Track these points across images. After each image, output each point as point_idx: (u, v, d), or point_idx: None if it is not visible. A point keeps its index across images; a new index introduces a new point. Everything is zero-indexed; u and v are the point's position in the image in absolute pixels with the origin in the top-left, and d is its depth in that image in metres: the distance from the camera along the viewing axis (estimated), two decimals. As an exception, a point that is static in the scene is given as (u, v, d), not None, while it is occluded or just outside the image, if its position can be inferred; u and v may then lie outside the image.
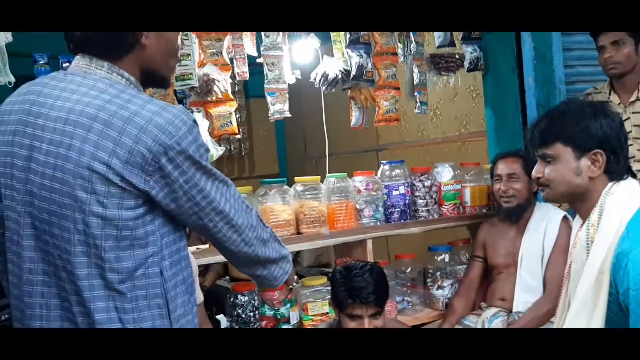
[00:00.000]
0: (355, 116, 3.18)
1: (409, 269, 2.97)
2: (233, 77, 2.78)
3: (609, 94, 2.75)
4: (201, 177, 1.26)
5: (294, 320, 2.54)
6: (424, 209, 2.89)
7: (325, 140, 3.39)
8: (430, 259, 3.03)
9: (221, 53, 2.65)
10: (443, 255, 3.00)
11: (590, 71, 3.06)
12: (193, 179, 1.25)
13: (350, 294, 2.01)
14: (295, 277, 1.60)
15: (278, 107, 2.78)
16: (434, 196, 2.93)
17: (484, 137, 3.46)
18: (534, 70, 3.04)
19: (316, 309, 2.60)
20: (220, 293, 3.78)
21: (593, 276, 1.49)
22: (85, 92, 1.24)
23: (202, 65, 2.60)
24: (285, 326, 2.52)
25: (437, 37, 3.23)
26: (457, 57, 3.25)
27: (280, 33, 2.76)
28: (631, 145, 2.60)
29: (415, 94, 3.20)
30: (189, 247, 1.42)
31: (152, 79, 1.36)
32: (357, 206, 2.74)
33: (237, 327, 2.54)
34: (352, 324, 2.05)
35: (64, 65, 4.35)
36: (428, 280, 2.99)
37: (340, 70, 2.96)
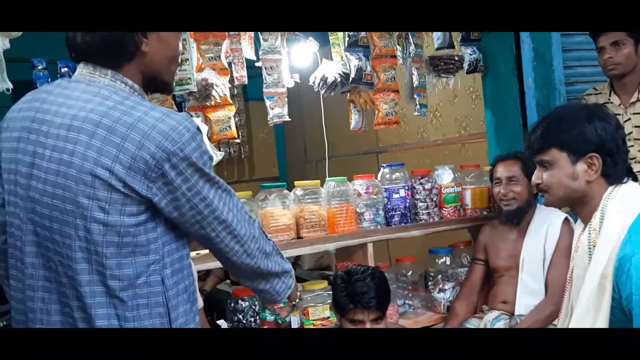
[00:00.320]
0: (354, 119, 3.17)
1: (410, 272, 2.96)
2: (232, 81, 2.77)
3: (609, 95, 2.75)
4: (204, 184, 1.26)
5: (295, 325, 2.53)
6: (424, 212, 2.88)
7: (325, 143, 3.38)
8: (432, 262, 3.02)
9: (219, 57, 2.64)
10: (444, 258, 2.99)
11: (590, 72, 3.05)
12: (196, 187, 1.25)
13: (351, 299, 2.00)
14: (298, 293, 1.58)
15: (277, 111, 2.77)
16: (434, 199, 2.91)
17: (484, 139, 3.45)
18: (534, 72, 3.03)
19: (317, 314, 2.59)
20: (221, 297, 3.77)
21: (596, 281, 1.48)
22: (89, 99, 1.25)
23: (200, 69, 2.60)
24: (286, 331, 2.51)
25: (436, 39, 3.22)
26: (456, 59, 3.24)
27: (279, 37, 2.76)
28: (632, 146, 2.60)
29: (415, 96, 3.19)
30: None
31: (155, 84, 1.36)
32: (358, 210, 2.72)
33: (238, 332, 2.53)
34: (353, 329, 2.04)
35: (62, 70, 4.34)
36: (429, 283, 2.98)
37: (339, 74, 2.95)
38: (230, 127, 2.75)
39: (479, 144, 3.77)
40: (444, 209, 2.94)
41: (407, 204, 2.83)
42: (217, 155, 2.64)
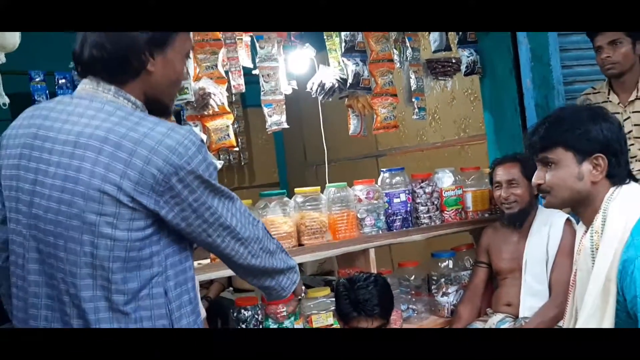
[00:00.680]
0: (353, 124, 3.16)
1: (413, 276, 2.95)
2: (229, 89, 2.77)
3: (608, 94, 2.74)
4: (209, 194, 1.28)
5: (298, 333, 2.52)
6: (425, 215, 2.87)
7: (324, 149, 3.37)
8: (434, 266, 3.01)
9: (216, 66, 2.64)
10: (447, 262, 2.97)
11: (588, 71, 3.04)
12: (202, 197, 1.27)
13: (354, 307, 1.99)
14: (303, 287, 1.61)
15: (275, 119, 2.76)
16: (435, 202, 2.90)
17: (484, 140, 3.44)
18: (532, 72, 3.02)
19: (320, 321, 2.57)
20: (224, 305, 3.76)
21: (600, 284, 1.47)
22: (93, 115, 1.26)
23: (197, 79, 2.59)
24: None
25: (433, 41, 3.22)
26: (453, 61, 3.23)
27: (275, 44, 2.75)
28: (632, 145, 2.59)
29: (413, 100, 3.18)
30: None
31: (155, 105, 1.37)
32: (359, 215, 2.71)
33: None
34: (357, 337, 2.03)
35: (60, 81, 4.35)
36: (432, 287, 2.97)
37: (336, 79, 2.95)
38: (228, 135, 2.74)
39: (479, 145, 3.76)
40: (445, 212, 2.93)
41: (408, 208, 2.82)
42: (217, 164, 2.64)
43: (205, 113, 2.65)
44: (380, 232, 2.74)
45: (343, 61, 2.93)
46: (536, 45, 3.01)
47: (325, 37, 3.00)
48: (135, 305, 1.25)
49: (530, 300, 2.58)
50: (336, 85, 2.95)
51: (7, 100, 2.35)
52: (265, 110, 2.76)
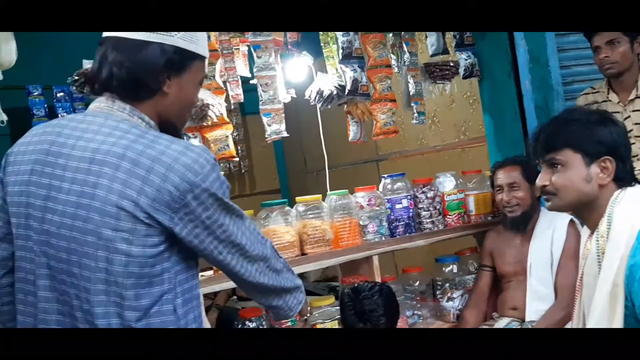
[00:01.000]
0: (353, 131, 3.15)
1: (417, 282, 2.94)
2: (227, 99, 2.76)
3: (608, 93, 2.73)
4: (221, 212, 1.30)
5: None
6: (428, 220, 2.86)
7: (325, 156, 3.36)
8: (438, 271, 3.00)
9: (214, 77, 2.63)
10: (451, 266, 2.97)
11: (587, 70, 3.04)
12: (214, 215, 1.28)
13: (360, 318, 1.98)
14: (309, 307, 1.61)
15: (275, 128, 2.75)
16: (437, 207, 2.89)
17: (484, 143, 3.43)
18: (530, 74, 3.02)
19: (326, 330, 2.56)
20: (229, 313, 3.74)
21: (607, 290, 1.45)
22: (109, 132, 1.27)
23: (195, 90, 2.58)
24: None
25: (430, 45, 3.21)
26: (451, 64, 3.23)
27: (272, 53, 2.74)
28: (633, 144, 2.57)
29: (412, 104, 3.17)
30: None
31: (166, 127, 1.38)
32: (361, 222, 2.70)
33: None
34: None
35: (58, 95, 4.35)
36: (437, 292, 2.96)
37: (334, 86, 2.94)
38: (228, 145, 2.73)
39: (479, 148, 3.75)
40: (448, 216, 2.91)
41: (411, 214, 2.81)
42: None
43: (204, 124, 2.64)
44: (383, 238, 2.73)
45: (341, 68, 2.91)
46: (534, 46, 3.00)
47: (322, 44, 2.99)
48: (146, 322, 1.25)
49: (536, 304, 2.57)
50: (335, 92, 2.94)
51: (5, 117, 2.35)
52: (264, 119, 2.75)
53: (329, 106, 3.02)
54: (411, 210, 2.81)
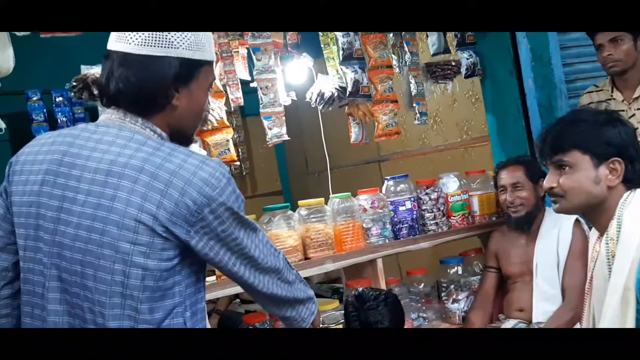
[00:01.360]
0: (354, 132, 3.13)
1: (422, 284, 2.91)
2: (227, 103, 2.73)
3: (611, 91, 2.70)
4: (236, 226, 1.30)
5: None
6: (432, 222, 2.83)
7: (326, 158, 3.33)
8: (443, 272, 2.97)
9: (213, 80, 2.60)
10: (456, 268, 2.94)
11: (590, 68, 3.01)
12: (230, 228, 1.28)
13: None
14: (321, 318, 1.60)
15: (276, 131, 2.72)
16: (441, 208, 2.86)
17: (487, 142, 3.41)
18: (533, 72, 2.99)
19: (330, 335, 2.54)
20: (235, 319, 3.72)
21: (618, 294, 1.43)
22: (124, 144, 1.26)
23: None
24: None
25: (431, 45, 3.18)
26: (453, 64, 3.20)
27: (272, 55, 2.71)
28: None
29: (414, 105, 3.15)
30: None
31: (178, 137, 1.38)
32: (364, 225, 2.68)
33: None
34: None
35: (57, 99, 4.34)
36: (442, 294, 2.93)
37: (335, 88, 2.91)
38: (229, 150, 2.71)
39: (482, 147, 3.73)
40: (452, 217, 2.89)
41: (414, 216, 2.78)
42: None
43: (205, 128, 2.62)
44: (387, 241, 2.70)
45: (341, 69, 2.89)
46: (536, 44, 2.97)
47: (322, 45, 2.97)
48: None
49: (544, 305, 2.54)
50: (335, 94, 2.92)
51: (3, 125, 2.33)
52: (265, 123, 2.72)
53: (330, 108, 2.99)
54: (415, 212, 2.78)
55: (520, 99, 3.03)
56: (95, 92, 1.35)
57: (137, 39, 1.27)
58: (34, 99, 4.25)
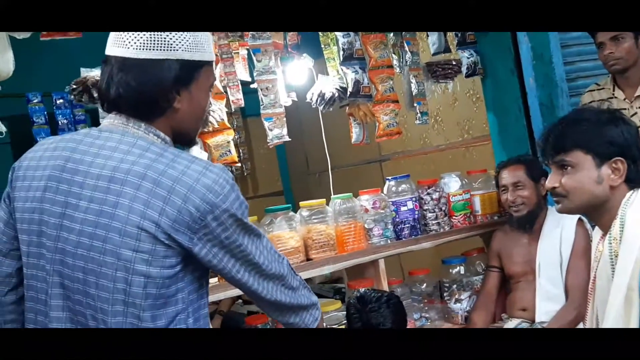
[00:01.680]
0: (355, 133, 3.12)
1: (424, 284, 2.91)
2: (228, 105, 2.73)
3: (613, 90, 2.69)
4: (240, 232, 1.29)
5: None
6: (434, 222, 2.83)
7: (327, 158, 3.32)
8: (445, 272, 2.97)
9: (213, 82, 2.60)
10: (458, 268, 2.94)
11: (591, 66, 3.01)
12: (234, 235, 1.27)
13: (367, 330, 1.94)
14: (325, 324, 1.59)
15: (276, 132, 2.72)
16: (443, 208, 2.86)
17: (488, 141, 3.40)
18: (534, 71, 2.98)
19: (333, 336, 2.53)
20: (233, 318, 3.72)
21: (622, 294, 1.42)
22: (127, 150, 1.25)
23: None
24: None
25: (432, 44, 3.17)
26: (453, 63, 3.20)
27: (272, 56, 2.71)
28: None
29: (415, 104, 3.14)
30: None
31: (181, 139, 1.38)
32: (366, 226, 2.67)
33: None
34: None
35: (58, 102, 4.33)
36: (445, 294, 2.93)
37: (336, 89, 2.91)
38: (230, 151, 2.71)
39: (484, 146, 3.72)
40: (454, 217, 2.88)
41: (416, 216, 2.78)
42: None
43: (205, 130, 2.62)
44: (389, 241, 2.70)
45: (342, 70, 2.89)
46: (537, 43, 2.97)
47: (322, 46, 2.96)
48: None
49: (547, 305, 2.53)
50: (336, 94, 2.91)
51: (4, 129, 2.33)
52: (266, 124, 2.72)
53: (331, 109, 2.98)
54: (416, 212, 2.78)
55: (521, 98, 3.02)
56: (95, 94, 1.35)
57: (135, 42, 1.26)
58: (35, 101, 4.24)
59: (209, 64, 1.35)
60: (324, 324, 1.60)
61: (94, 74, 2.35)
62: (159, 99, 1.29)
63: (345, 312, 2.27)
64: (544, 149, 1.63)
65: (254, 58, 2.71)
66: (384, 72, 2.96)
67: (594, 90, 2.77)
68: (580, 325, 2.35)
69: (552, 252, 2.57)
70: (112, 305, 1.22)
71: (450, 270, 2.94)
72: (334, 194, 2.72)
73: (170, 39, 1.27)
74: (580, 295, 2.32)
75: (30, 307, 1.31)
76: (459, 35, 3.15)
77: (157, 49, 1.26)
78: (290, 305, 1.45)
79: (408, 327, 2.48)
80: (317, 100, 2.92)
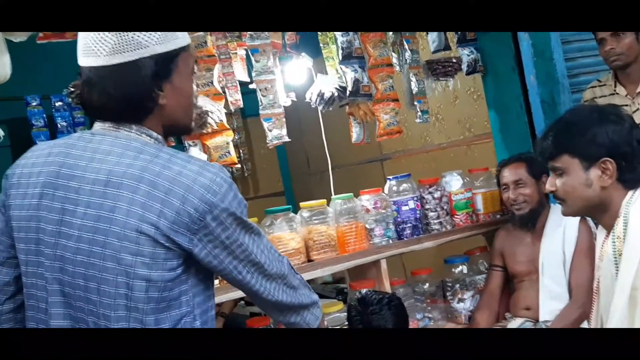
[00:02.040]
0: (355, 132, 3.10)
1: (427, 284, 2.89)
2: (227, 106, 2.71)
3: (615, 86, 2.67)
4: (240, 231, 1.27)
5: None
6: (436, 221, 2.81)
7: (327, 158, 3.30)
8: (448, 272, 2.95)
9: (212, 83, 2.58)
10: (460, 267, 2.92)
11: (592, 62, 2.98)
12: (234, 234, 1.25)
13: (368, 331, 1.92)
14: (326, 323, 1.57)
15: (276, 133, 2.70)
16: (445, 207, 2.84)
17: (490, 139, 3.38)
18: (535, 68, 2.96)
19: (335, 337, 2.51)
20: (235, 320, 3.71)
21: (626, 294, 1.40)
22: (121, 152, 1.23)
23: (194, 97, 2.53)
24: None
25: (432, 42, 3.15)
26: (454, 61, 3.17)
27: (271, 56, 2.69)
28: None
29: (415, 103, 3.12)
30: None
31: (175, 130, 1.36)
32: (367, 226, 2.65)
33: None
34: None
35: (56, 104, 4.32)
36: (447, 293, 2.91)
37: (335, 88, 2.88)
38: (229, 152, 2.69)
39: (485, 144, 3.70)
40: (456, 216, 2.86)
41: (418, 215, 2.76)
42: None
43: (204, 131, 2.60)
44: (391, 241, 2.68)
45: (341, 69, 2.87)
46: (538, 40, 2.94)
47: (321, 45, 2.94)
48: None
49: (550, 304, 2.51)
50: (336, 94, 2.89)
51: (2, 133, 2.31)
52: (265, 124, 2.70)
53: (331, 108, 2.97)
54: (418, 212, 2.76)
55: (522, 95, 3.00)
56: (91, 113, 1.32)
57: (104, 49, 1.22)
58: (34, 104, 4.23)
59: (184, 49, 1.30)
60: (326, 324, 1.58)
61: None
62: (143, 100, 1.25)
63: (347, 313, 2.26)
64: (539, 155, 1.65)
65: (253, 58, 2.70)
66: (384, 70, 2.94)
67: (595, 86, 2.75)
68: (585, 324, 2.33)
69: (555, 250, 2.56)
70: (115, 310, 1.20)
71: (453, 270, 2.92)
72: (335, 194, 2.71)
73: (139, 36, 1.22)
74: (584, 294, 2.30)
75: (31, 316, 1.30)
76: (459, 32, 3.13)
77: (128, 51, 1.22)
78: (292, 305, 1.43)
79: (411, 327, 2.47)
80: (316, 100, 2.90)
